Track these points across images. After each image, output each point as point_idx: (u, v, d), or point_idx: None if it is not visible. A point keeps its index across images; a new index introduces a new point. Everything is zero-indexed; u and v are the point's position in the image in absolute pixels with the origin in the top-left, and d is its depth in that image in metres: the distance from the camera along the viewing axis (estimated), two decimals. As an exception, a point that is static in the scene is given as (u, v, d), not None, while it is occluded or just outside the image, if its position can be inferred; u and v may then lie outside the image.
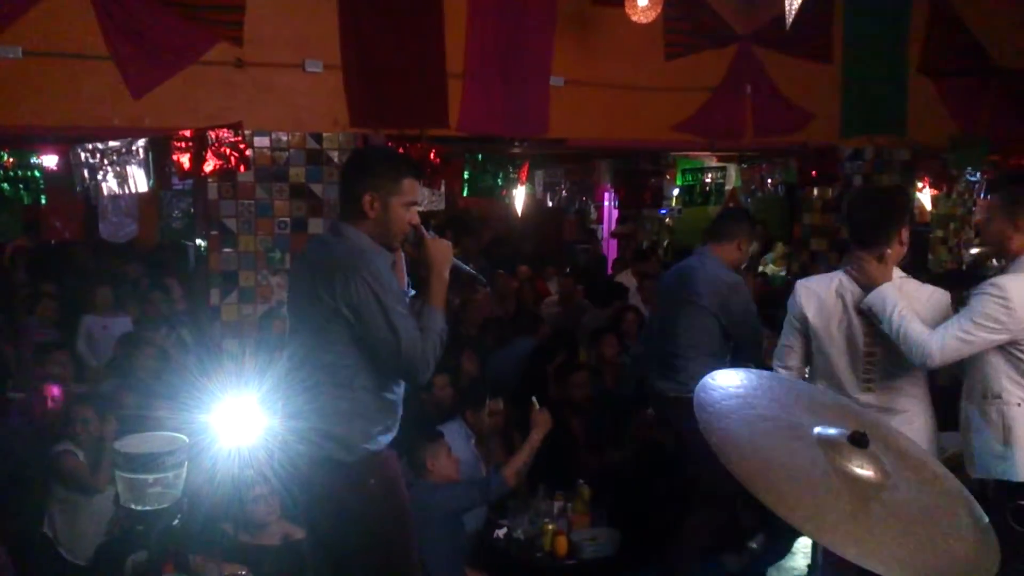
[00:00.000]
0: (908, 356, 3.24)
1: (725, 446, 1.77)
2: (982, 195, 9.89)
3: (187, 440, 3.87)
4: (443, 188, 7.41)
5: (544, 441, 4.58)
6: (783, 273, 10.05)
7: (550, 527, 4.69)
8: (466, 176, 8.73)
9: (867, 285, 3.34)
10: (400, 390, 3.07)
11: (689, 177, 11.64)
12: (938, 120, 8.46)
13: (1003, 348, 3.28)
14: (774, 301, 5.88)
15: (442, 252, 3.02)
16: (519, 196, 10.09)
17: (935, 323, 3.25)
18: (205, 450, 4.21)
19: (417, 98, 6.54)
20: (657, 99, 7.37)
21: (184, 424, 4.40)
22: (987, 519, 1.86)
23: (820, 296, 3.46)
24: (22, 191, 8.37)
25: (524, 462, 4.52)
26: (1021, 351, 3.27)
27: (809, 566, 4.78)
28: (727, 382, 2.03)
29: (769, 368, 3.65)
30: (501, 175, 9.05)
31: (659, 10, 6.27)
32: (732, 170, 10.81)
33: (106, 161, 5.88)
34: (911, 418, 3.33)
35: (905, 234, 3.37)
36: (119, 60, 5.66)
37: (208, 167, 5.86)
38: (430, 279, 3.01)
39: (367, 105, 6.38)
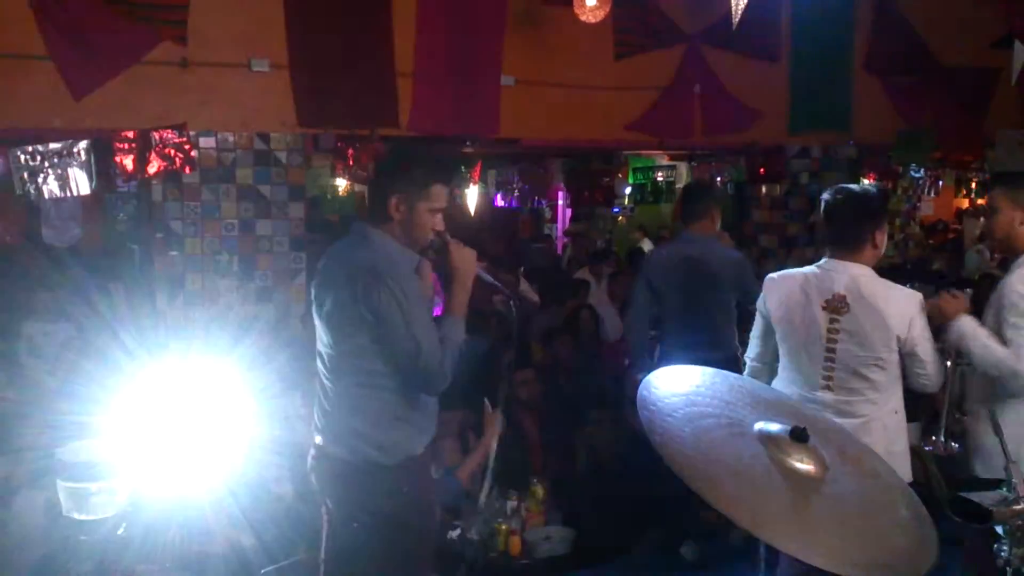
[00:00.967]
0: (1005, 385, 3.20)
1: (667, 444, 1.77)
2: (928, 192, 10.11)
3: (130, 446, 3.81)
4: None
5: (498, 441, 4.56)
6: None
7: (504, 527, 4.68)
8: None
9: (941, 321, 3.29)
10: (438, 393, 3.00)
11: (641, 176, 11.74)
12: (883, 118, 8.63)
13: None
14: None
15: (466, 261, 2.95)
16: (472, 196, 10.07)
17: (902, 322, 3.19)
18: (149, 456, 4.14)
19: (367, 97, 6.49)
20: (607, 99, 7.41)
21: (127, 430, 4.33)
22: (926, 512, 1.88)
23: (784, 290, 3.41)
24: (-40, 195, 8.13)
25: (479, 463, 4.50)
26: None
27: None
28: (670, 380, 2.04)
29: None
30: (454, 175, 9.02)
31: (607, 10, 6.30)
32: (683, 168, 10.92)
33: (47, 164, 5.74)
34: (868, 425, 3.22)
35: (880, 236, 3.31)
36: (59, 61, 5.55)
37: (152, 168, 5.77)
38: (452, 288, 2.94)
39: (315, 105, 6.32)
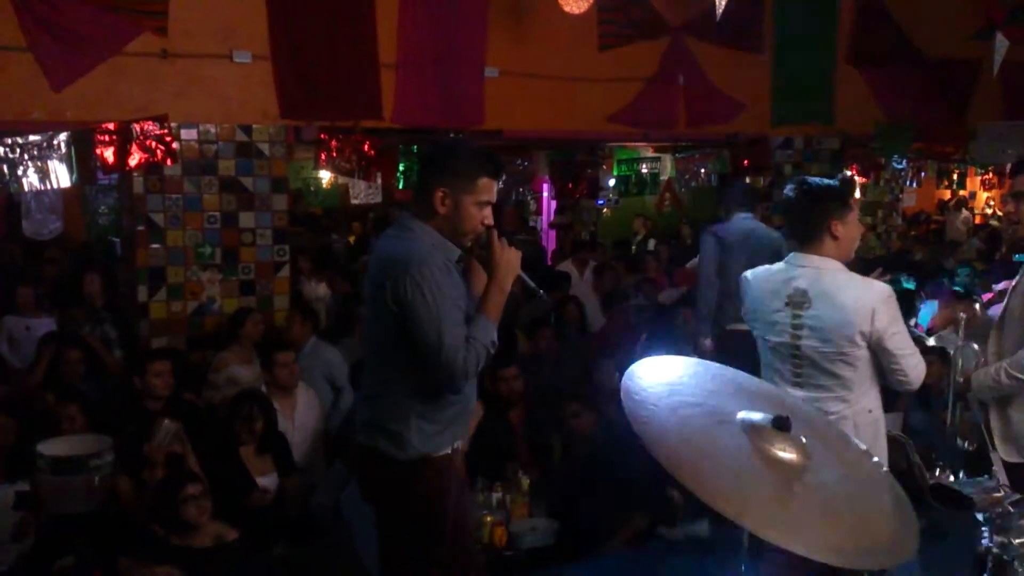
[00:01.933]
0: None
1: (649, 433, 1.77)
2: (910, 183, 10.16)
3: (112, 441, 3.79)
4: (379, 181, 7.33)
5: (482, 433, 4.55)
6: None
7: (489, 518, 4.67)
8: (402, 168, 8.67)
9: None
10: (465, 394, 2.92)
11: (625, 168, 11.73)
12: (866, 109, 8.67)
13: None
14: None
15: (509, 262, 2.88)
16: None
17: (863, 315, 3.11)
18: (131, 450, 4.12)
19: (350, 89, 6.46)
20: (592, 90, 7.40)
21: (109, 425, 4.30)
22: (908, 500, 1.88)
23: (755, 288, 3.40)
24: (-61, 189, 8.05)
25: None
26: None
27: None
28: (654, 370, 2.03)
29: None
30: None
31: (591, 1, 6.29)
32: (667, 160, 10.93)
33: (26, 156, 5.69)
34: (839, 424, 3.06)
35: (839, 227, 3.21)
36: (38, 52, 5.49)
37: (133, 161, 5.72)
38: (490, 287, 2.87)
39: (298, 96, 6.28)
